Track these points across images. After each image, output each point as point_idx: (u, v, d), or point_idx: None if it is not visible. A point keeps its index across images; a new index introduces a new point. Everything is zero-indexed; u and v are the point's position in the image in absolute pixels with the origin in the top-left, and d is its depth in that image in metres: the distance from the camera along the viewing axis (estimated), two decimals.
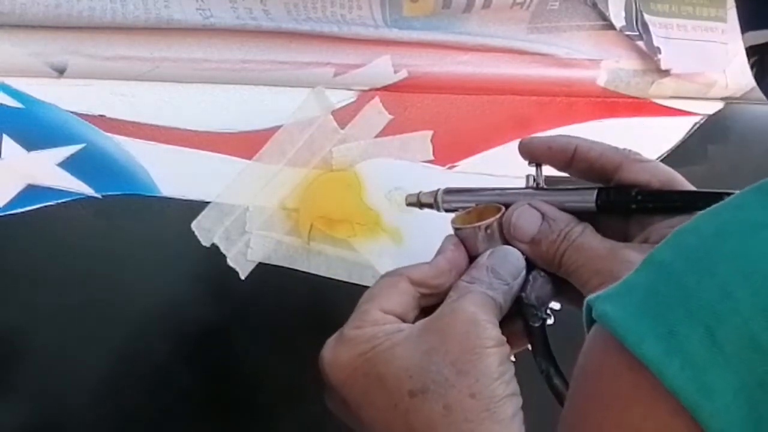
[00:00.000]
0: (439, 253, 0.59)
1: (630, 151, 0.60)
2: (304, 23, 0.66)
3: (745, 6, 0.46)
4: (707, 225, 0.38)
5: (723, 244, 0.36)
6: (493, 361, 0.53)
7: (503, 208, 0.59)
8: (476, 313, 0.54)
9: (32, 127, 0.60)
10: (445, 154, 0.72)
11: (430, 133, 0.72)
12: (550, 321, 0.58)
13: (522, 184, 0.61)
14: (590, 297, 0.38)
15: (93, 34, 0.61)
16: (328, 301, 0.67)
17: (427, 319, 0.55)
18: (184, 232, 0.64)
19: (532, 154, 0.61)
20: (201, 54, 0.64)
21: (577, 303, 0.56)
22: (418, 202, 0.64)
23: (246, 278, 0.66)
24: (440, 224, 0.66)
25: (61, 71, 0.60)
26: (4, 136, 0.59)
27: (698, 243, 0.37)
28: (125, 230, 0.63)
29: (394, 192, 0.70)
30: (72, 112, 0.61)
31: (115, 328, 0.63)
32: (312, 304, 0.68)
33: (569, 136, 0.61)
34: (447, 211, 0.62)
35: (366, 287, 0.67)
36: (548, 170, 0.62)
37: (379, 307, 0.56)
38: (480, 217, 0.59)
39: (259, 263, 0.66)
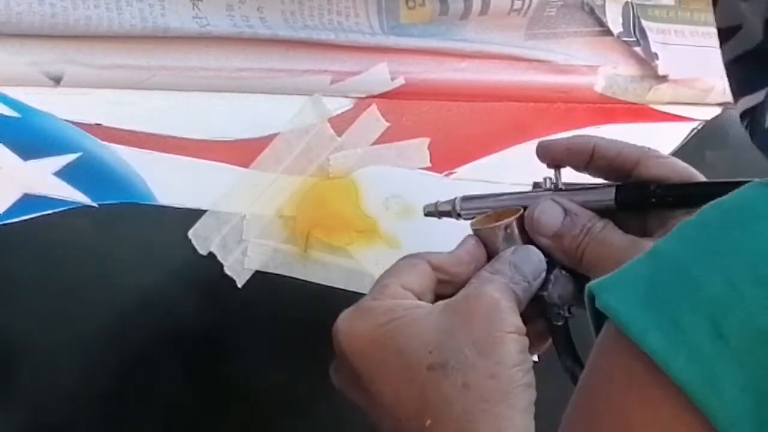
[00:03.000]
0: (459, 246, 0.59)
1: (648, 148, 0.60)
2: (300, 31, 0.66)
3: (734, 76, 0.47)
4: (712, 217, 0.38)
5: (728, 236, 0.36)
6: (514, 347, 0.53)
7: (522, 210, 0.59)
8: (500, 299, 0.54)
9: (28, 136, 0.60)
10: (443, 161, 0.72)
11: (427, 140, 0.72)
12: (572, 320, 0.58)
13: (532, 189, 0.62)
14: (591, 284, 0.38)
15: (89, 43, 0.61)
16: (325, 309, 0.66)
17: (448, 300, 0.55)
18: (180, 241, 0.64)
19: (552, 157, 0.61)
20: (198, 62, 0.64)
21: None
22: (436, 211, 0.64)
23: (243, 286, 0.66)
24: (438, 232, 0.66)
25: (57, 80, 0.60)
26: (1, 146, 0.59)
27: (703, 234, 0.37)
28: (122, 239, 0.62)
29: (391, 199, 0.70)
30: (68, 121, 0.61)
31: (112, 337, 0.63)
32: (309, 312, 0.67)
33: (587, 136, 0.62)
34: (465, 218, 0.62)
35: (363, 296, 0.67)
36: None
37: (399, 283, 0.56)
38: (499, 220, 0.59)
39: (256, 271, 0.66)
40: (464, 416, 0.51)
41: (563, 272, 0.58)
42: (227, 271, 0.65)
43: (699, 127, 0.83)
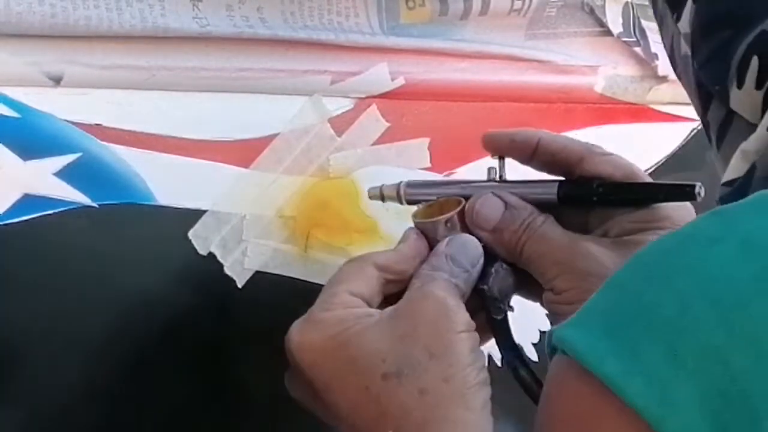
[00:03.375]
0: (401, 241, 0.59)
1: (592, 144, 0.60)
2: (300, 31, 0.66)
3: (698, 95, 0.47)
4: (663, 245, 0.38)
5: (679, 260, 0.36)
6: (465, 346, 0.53)
7: (464, 202, 0.59)
8: (445, 297, 0.54)
9: (29, 137, 0.60)
10: (443, 161, 0.72)
11: (427, 140, 0.72)
12: (512, 313, 0.58)
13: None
14: (552, 328, 0.38)
15: (89, 43, 0.61)
16: None
17: (396, 305, 0.55)
18: (180, 241, 0.64)
19: (496, 147, 0.61)
20: (197, 62, 0.64)
21: (538, 296, 0.57)
22: (380, 194, 0.64)
23: (243, 286, 0.66)
24: None
25: (57, 80, 0.60)
26: (1, 146, 0.59)
27: (655, 261, 0.37)
28: (122, 239, 0.62)
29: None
30: (68, 122, 0.61)
31: (112, 337, 0.63)
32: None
33: (532, 129, 0.61)
34: (409, 203, 0.62)
35: None
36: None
37: (347, 290, 0.56)
38: (441, 210, 0.59)
39: (257, 271, 0.66)
40: (424, 424, 0.51)
41: (504, 266, 0.58)
42: (227, 271, 0.66)
43: (699, 128, 0.82)
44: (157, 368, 0.64)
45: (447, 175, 0.73)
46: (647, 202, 0.56)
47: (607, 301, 0.37)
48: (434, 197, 0.61)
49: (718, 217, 0.37)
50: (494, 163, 0.61)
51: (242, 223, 0.66)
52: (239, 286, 0.66)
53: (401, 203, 0.63)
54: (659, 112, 0.81)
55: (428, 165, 0.72)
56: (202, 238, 0.65)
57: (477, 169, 0.73)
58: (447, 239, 0.58)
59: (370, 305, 0.56)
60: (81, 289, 0.62)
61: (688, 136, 0.82)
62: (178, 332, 0.65)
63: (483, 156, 0.74)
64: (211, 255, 0.65)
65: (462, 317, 0.54)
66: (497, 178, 0.60)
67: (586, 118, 0.78)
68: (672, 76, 0.79)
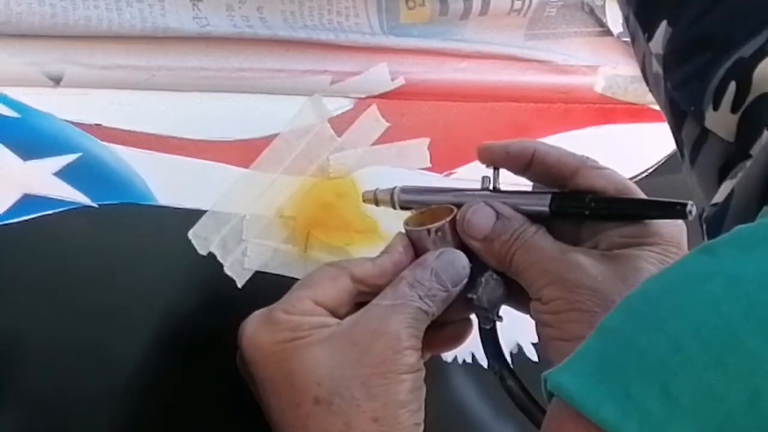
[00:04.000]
0: (385, 251, 0.59)
1: (587, 157, 0.60)
2: (300, 31, 0.66)
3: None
4: (653, 286, 0.38)
5: (670, 300, 0.36)
6: (404, 388, 0.53)
7: (456, 210, 0.59)
8: (401, 338, 0.54)
9: (28, 137, 0.60)
10: (443, 161, 0.72)
11: (427, 140, 0.72)
12: (500, 323, 0.58)
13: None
14: (546, 372, 0.38)
15: (89, 43, 0.61)
16: None
17: (351, 323, 0.55)
18: (180, 241, 0.64)
19: (491, 159, 0.61)
20: (197, 62, 0.64)
21: (526, 307, 0.57)
22: (374, 199, 0.64)
23: (243, 286, 0.66)
24: None
25: (57, 80, 0.60)
26: (1, 146, 0.59)
27: (645, 303, 0.37)
28: (122, 239, 0.62)
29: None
30: (68, 122, 0.61)
31: (112, 337, 0.63)
32: None
33: (528, 140, 0.61)
34: (403, 209, 0.63)
35: None
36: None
37: (313, 297, 0.56)
38: (433, 218, 0.60)
39: (256, 271, 0.66)
40: None
41: (494, 276, 0.58)
42: (227, 271, 0.66)
43: None
44: (156, 368, 0.64)
45: (447, 175, 0.73)
46: (638, 218, 0.57)
47: (600, 344, 0.37)
48: (428, 204, 0.61)
49: (706, 255, 0.37)
50: (489, 172, 0.61)
51: (242, 223, 0.66)
52: (239, 286, 0.66)
53: (395, 208, 0.63)
54: (659, 112, 0.81)
55: (428, 165, 0.72)
56: (202, 238, 0.65)
57: (477, 169, 0.73)
58: (438, 252, 0.58)
59: (335, 314, 0.56)
60: (81, 289, 0.62)
61: None
62: (178, 332, 0.65)
63: None
64: (211, 255, 0.65)
65: (408, 359, 0.54)
66: (491, 187, 0.60)
67: (585, 118, 0.78)
68: None
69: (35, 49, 0.60)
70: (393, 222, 0.69)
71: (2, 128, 0.59)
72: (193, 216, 0.64)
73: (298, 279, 0.67)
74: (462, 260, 0.58)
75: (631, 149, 0.80)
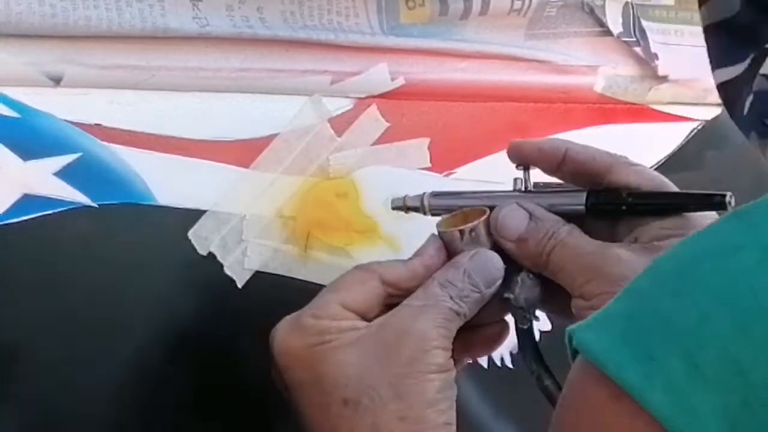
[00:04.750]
0: (417, 254, 0.59)
1: (619, 155, 0.60)
2: (300, 31, 0.66)
3: (715, 45, 0.46)
4: (684, 251, 0.38)
5: (699, 268, 0.36)
6: (432, 387, 0.53)
7: (488, 212, 0.59)
8: (429, 337, 0.54)
9: (28, 137, 0.60)
10: (443, 161, 0.72)
11: (427, 140, 0.72)
12: (538, 323, 0.58)
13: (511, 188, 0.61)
14: (570, 327, 0.38)
15: (89, 43, 0.61)
16: None
17: (380, 324, 0.56)
18: (180, 241, 0.64)
19: (522, 157, 0.61)
20: (197, 62, 0.64)
21: (562, 309, 0.57)
22: (404, 206, 0.64)
23: (243, 287, 0.66)
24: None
25: (57, 80, 0.60)
26: (1, 146, 0.59)
27: (675, 269, 0.37)
28: (122, 239, 0.62)
29: (391, 200, 0.70)
30: (68, 122, 0.61)
31: (112, 337, 0.63)
32: None
33: (560, 139, 0.61)
34: (433, 215, 0.62)
35: None
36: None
37: (341, 302, 0.56)
38: (466, 220, 0.59)
39: (256, 271, 0.66)
40: None
41: (530, 275, 0.58)
42: (227, 271, 0.65)
43: (699, 127, 0.83)
44: (156, 368, 0.64)
45: (447, 175, 0.73)
46: (677, 211, 0.56)
47: (628, 307, 0.37)
48: (459, 207, 0.61)
49: (740, 221, 0.37)
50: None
51: (242, 223, 0.66)
52: (239, 286, 0.66)
53: (425, 214, 0.63)
54: (659, 112, 0.81)
55: (428, 165, 0.72)
56: (202, 238, 0.65)
57: (477, 168, 0.73)
58: (472, 253, 0.58)
59: (364, 317, 0.56)
60: (81, 289, 0.61)
61: (687, 136, 0.82)
62: (178, 332, 0.64)
63: (483, 156, 0.74)
64: (211, 255, 0.65)
65: (437, 359, 0.54)
66: (523, 188, 0.60)
67: (585, 118, 0.78)
68: (672, 76, 0.79)
69: (35, 49, 0.60)
70: (393, 222, 0.69)
71: (2, 128, 0.59)
72: (193, 216, 0.64)
73: (298, 279, 0.67)
74: (496, 261, 0.58)
75: (631, 149, 0.79)
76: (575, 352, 0.38)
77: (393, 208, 0.65)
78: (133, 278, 0.63)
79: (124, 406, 0.63)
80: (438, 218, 0.62)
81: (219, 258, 0.65)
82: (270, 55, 0.66)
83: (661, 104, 0.81)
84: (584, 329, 0.37)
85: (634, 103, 0.79)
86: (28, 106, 0.60)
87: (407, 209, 0.63)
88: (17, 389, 0.60)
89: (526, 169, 0.61)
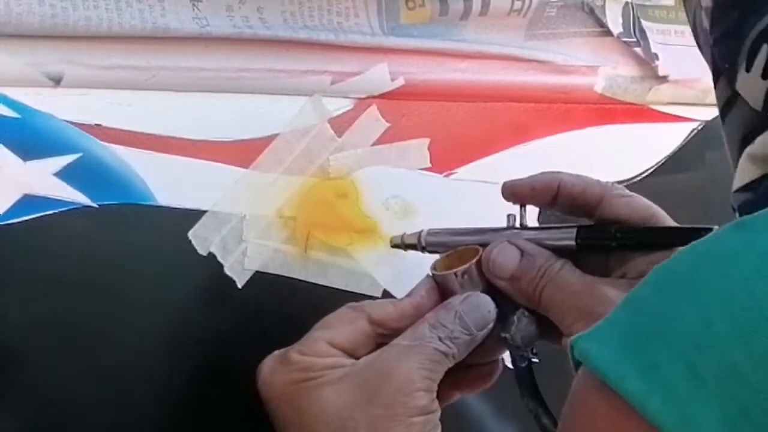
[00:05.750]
0: (409, 294, 0.59)
1: (612, 185, 0.59)
2: (300, 31, 0.66)
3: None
4: (684, 259, 0.38)
5: (700, 276, 0.36)
6: (413, 430, 0.53)
7: (481, 251, 0.59)
8: (413, 380, 0.54)
9: (28, 137, 0.60)
10: (443, 161, 0.72)
11: (427, 140, 0.72)
12: (536, 360, 0.58)
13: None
14: (573, 337, 0.38)
15: (89, 44, 0.61)
16: (325, 310, 0.66)
17: (365, 363, 0.55)
18: (180, 241, 0.64)
19: (517, 196, 0.61)
20: (197, 63, 0.64)
21: (560, 341, 0.56)
22: (402, 243, 0.64)
23: (243, 287, 0.66)
24: None
25: (57, 81, 0.60)
26: (1, 146, 0.59)
27: (676, 276, 0.37)
28: (122, 239, 0.62)
29: (391, 200, 0.70)
30: (68, 122, 0.61)
31: (112, 338, 0.63)
32: (309, 312, 0.67)
33: (552, 172, 0.61)
34: (430, 252, 0.63)
35: (363, 296, 0.67)
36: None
37: (329, 340, 0.56)
38: (461, 259, 0.59)
39: (256, 272, 0.66)
40: None
41: (526, 314, 0.58)
42: (227, 271, 0.65)
43: (699, 128, 0.83)
44: (156, 367, 0.64)
45: (447, 175, 0.72)
46: (665, 246, 0.56)
47: (628, 316, 0.37)
48: (454, 246, 0.61)
49: (740, 230, 0.37)
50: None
51: (242, 224, 0.66)
52: (239, 286, 0.66)
53: (422, 251, 0.63)
54: (659, 112, 0.81)
55: (428, 165, 0.72)
56: (202, 239, 0.65)
57: (477, 169, 0.73)
58: (463, 296, 0.58)
59: (352, 356, 0.57)
60: (81, 289, 0.61)
61: (688, 136, 0.82)
62: (178, 332, 0.64)
63: (483, 156, 0.74)
64: (211, 255, 0.65)
65: (420, 402, 0.54)
66: (517, 224, 0.60)
67: (586, 118, 0.78)
68: (672, 76, 0.79)
69: (35, 50, 0.60)
70: (393, 222, 0.70)
71: (2, 128, 0.59)
72: (193, 216, 0.64)
73: (298, 279, 0.67)
74: (488, 304, 0.58)
75: (631, 149, 0.80)
76: (578, 363, 0.38)
77: (392, 246, 0.65)
78: (133, 278, 0.63)
79: (123, 405, 0.63)
80: (435, 256, 0.62)
81: (219, 258, 0.65)
82: (270, 56, 0.66)
83: (661, 104, 0.81)
84: (586, 339, 0.37)
85: (634, 104, 0.79)
86: (28, 106, 0.60)
87: (406, 247, 0.64)
88: (17, 389, 0.60)
89: (523, 206, 0.60)
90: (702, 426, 0.34)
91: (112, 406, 0.63)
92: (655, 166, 0.80)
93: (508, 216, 0.60)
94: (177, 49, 0.63)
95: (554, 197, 0.60)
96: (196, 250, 0.65)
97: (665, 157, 0.81)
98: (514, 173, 0.62)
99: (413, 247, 0.63)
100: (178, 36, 0.63)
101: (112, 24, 0.61)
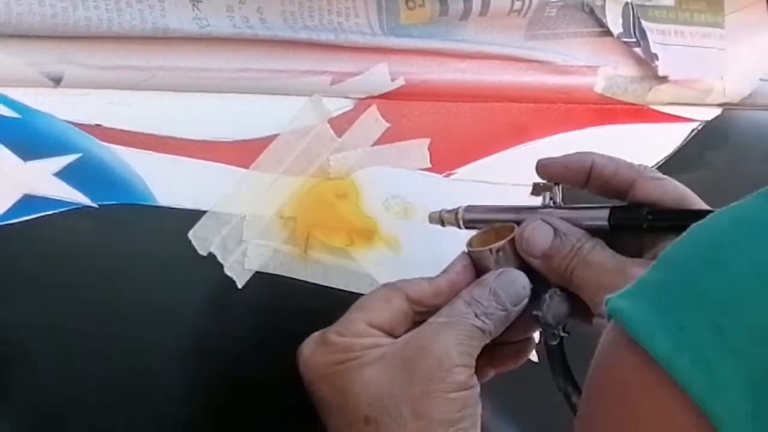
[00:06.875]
0: (444, 271, 0.59)
1: (644, 167, 0.60)
2: (300, 31, 0.66)
3: None
4: (718, 223, 0.39)
5: (733, 241, 0.37)
6: (453, 406, 0.53)
7: (516, 228, 0.59)
8: (451, 355, 0.54)
9: (28, 137, 0.60)
10: (443, 161, 0.72)
11: (427, 140, 0.72)
12: (564, 335, 0.58)
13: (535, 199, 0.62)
14: (609, 296, 0.38)
15: (89, 44, 0.61)
16: (325, 310, 0.67)
17: (405, 341, 0.56)
18: (180, 242, 0.64)
19: (550, 174, 0.62)
20: (197, 63, 0.64)
21: (591, 320, 0.57)
22: (439, 219, 0.65)
23: (243, 287, 0.66)
24: (438, 234, 0.66)
25: (57, 81, 0.60)
26: (1, 146, 0.59)
27: (709, 240, 0.38)
28: (122, 240, 0.62)
29: (391, 200, 0.70)
30: (68, 122, 0.61)
31: (112, 338, 0.63)
32: (309, 312, 0.67)
33: (585, 153, 0.61)
34: (467, 228, 0.63)
35: (363, 296, 0.67)
36: None
37: (367, 320, 0.56)
38: (497, 236, 0.60)
39: (257, 272, 0.66)
40: None
41: (558, 292, 0.58)
42: (227, 271, 0.65)
43: (699, 128, 0.83)
44: (156, 368, 0.64)
45: (447, 176, 0.73)
46: None
47: (661, 276, 0.38)
48: (491, 222, 0.62)
49: None
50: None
51: (242, 224, 0.66)
52: (239, 286, 0.66)
53: (459, 227, 0.63)
54: (659, 112, 0.81)
55: (428, 165, 0.72)
56: (202, 239, 0.65)
57: (478, 169, 0.73)
58: (498, 272, 0.58)
59: (391, 335, 0.57)
60: (81, 290, 0.61)
61: (688, 136, 0.82)
62: (178, 332, 0.64)
63: (483, 156, 0.74)
64: (211, 255, 0.65)
65: (458, 377, 0.54)
66: (552, 203, 0.60)
67: (586, 118, 0.78)
68: (672, 76, 0.79)
69: (35, 50, 0.60)
70: (393, 223, 0.69)
71: (2, 128, 0.59)
72: (193, 216, 0.64)
73: (298, 279, 0.67)
74: (522, 280, 0.58)
75: (631, 150, 0.79)
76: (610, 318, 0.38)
77: (430, 222, 0.66)
78: (133, 279, 0.63)
79: (124, 405, 0.63)
80: (472, 231, 0.62)
81: (219, 258, 0.65)
82: (270, 56, 0.66)
83: (661, 104, 0.81)
84: (620, 297, 0.38)
85: (634, 104, 0.79)
86: (28, 106, 0.60)
87: (443, 222, 0.64)
88: (17, 389, 0.60)
89: (556, 184, 0.61)
90: (728, 388, 0.34)
91: (111, 405, 0.63)
92: (655, 167, 0.80)
93: (543, 194, 0.61)
94: (177, 50, 0.63)
95: (587, 177, 0.60)
96: (196, 251, 0.64)
97: (665, 158, 0.81)
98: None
99: (451, 222, 0.64)
100: (178, 36, 0.63)
101: (112, 24, 0.61)
